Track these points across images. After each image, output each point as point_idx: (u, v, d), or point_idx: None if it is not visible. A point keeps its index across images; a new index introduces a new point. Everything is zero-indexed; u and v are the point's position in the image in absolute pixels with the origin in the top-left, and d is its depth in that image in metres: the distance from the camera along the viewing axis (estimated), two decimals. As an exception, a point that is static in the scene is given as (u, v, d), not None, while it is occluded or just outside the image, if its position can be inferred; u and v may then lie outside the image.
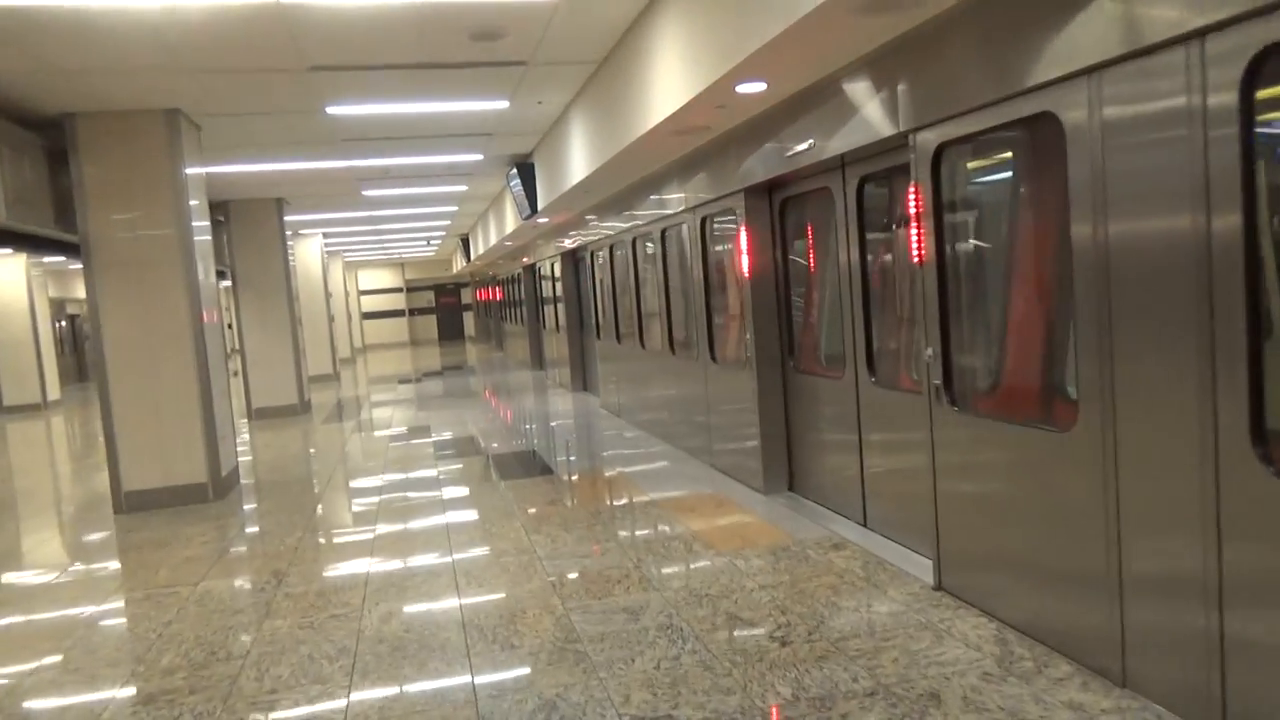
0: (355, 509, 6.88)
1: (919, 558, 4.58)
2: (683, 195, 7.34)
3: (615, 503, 6.38)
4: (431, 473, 7.98)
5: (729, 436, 6.86)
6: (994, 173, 4.01)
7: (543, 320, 16.58)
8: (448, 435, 10.21)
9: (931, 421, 4.09)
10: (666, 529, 5.55)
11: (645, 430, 9.28)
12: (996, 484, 3.70)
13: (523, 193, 10.87)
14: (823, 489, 5.83)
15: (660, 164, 7.50)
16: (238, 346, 13.51)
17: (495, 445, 9.27)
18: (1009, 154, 3.86)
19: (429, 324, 35.25)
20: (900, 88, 4.08)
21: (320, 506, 7.04)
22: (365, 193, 13.16)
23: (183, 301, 7.35)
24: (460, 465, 8.29)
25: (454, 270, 31.14)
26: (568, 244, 12.96)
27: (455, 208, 16.09)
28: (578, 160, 8.12)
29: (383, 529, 6.13)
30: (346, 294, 25.14)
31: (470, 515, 6.32)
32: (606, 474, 7.45)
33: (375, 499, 7.09)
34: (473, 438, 9.89)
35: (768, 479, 6.22)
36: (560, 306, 14.35)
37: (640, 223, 8.82)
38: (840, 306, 5.30)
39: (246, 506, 7.28)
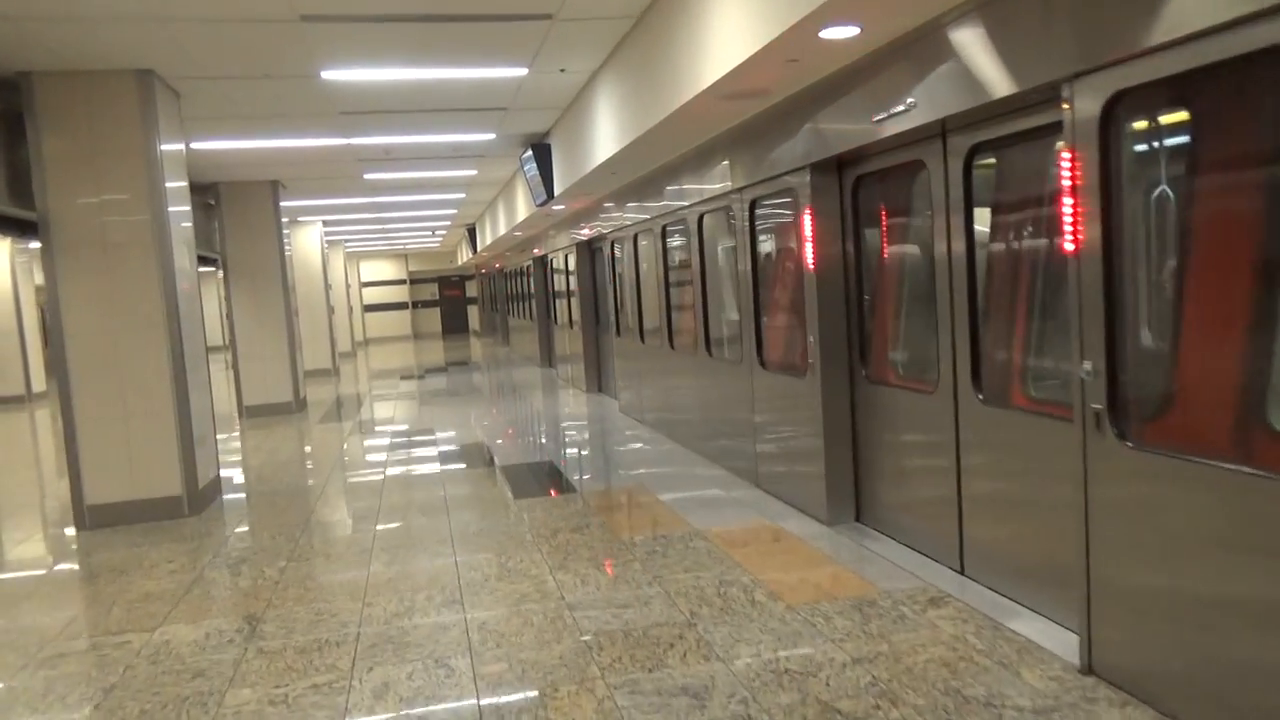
0: (349, 531, 5.98)
1: (1049, 625, 3.66)
2: (728, 175, 6.42)
3: (652, 533, 5.48)
4: (437, 488, 7.08)
5: (782, 455, 5.94)
6: (1193, 131, 3.09)
7: (554, 315, 15.67)
8: (454, 441, 9.31)
9: (1085, 456, 3.17)
10: (719, 570, 4.64)
11: (674, 440, 8.37)
12: (1200, 548, 2.78)
13: (538, 176, 9.96)
14: (901, 523, 4.92)
15: (702, 139, 6.57)
16: (229, 340, 12.62)
17: (507, 454, 8.37)
18: (1227, 103, 2.93)
19: (432, 317, 34.36)
20: (1054, 18, 3.16)
21: (309, 527, 6.14)
22: (367, 176, 12.25)
23: (156, 290, 6.43)
24: (469, 478, 7.39)
25: (459, 262, 30.23)
26: (584, 234, 12.04)
27: (462, 195, 15.18)
28: (604, 137, 7.20)
29: (380, 560, 5.22)
30: (348, 285, 24.26)
31: (482, 545, 5.42)
32: (636, 494, 6.55)
33: (372, 520, 6.19)
34: (481, 444, 8.99)
35: (832, 507, 5.32)
36: (574, 301, 13.44)
37: (673, 208, 7.91)
38: (934, 306, 4.38)
39: (226, 524, 6.38)
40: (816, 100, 4.93)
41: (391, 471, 7.83)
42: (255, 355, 12.37)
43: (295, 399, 12.55)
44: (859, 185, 5.09)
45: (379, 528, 5.94)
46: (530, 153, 9.93)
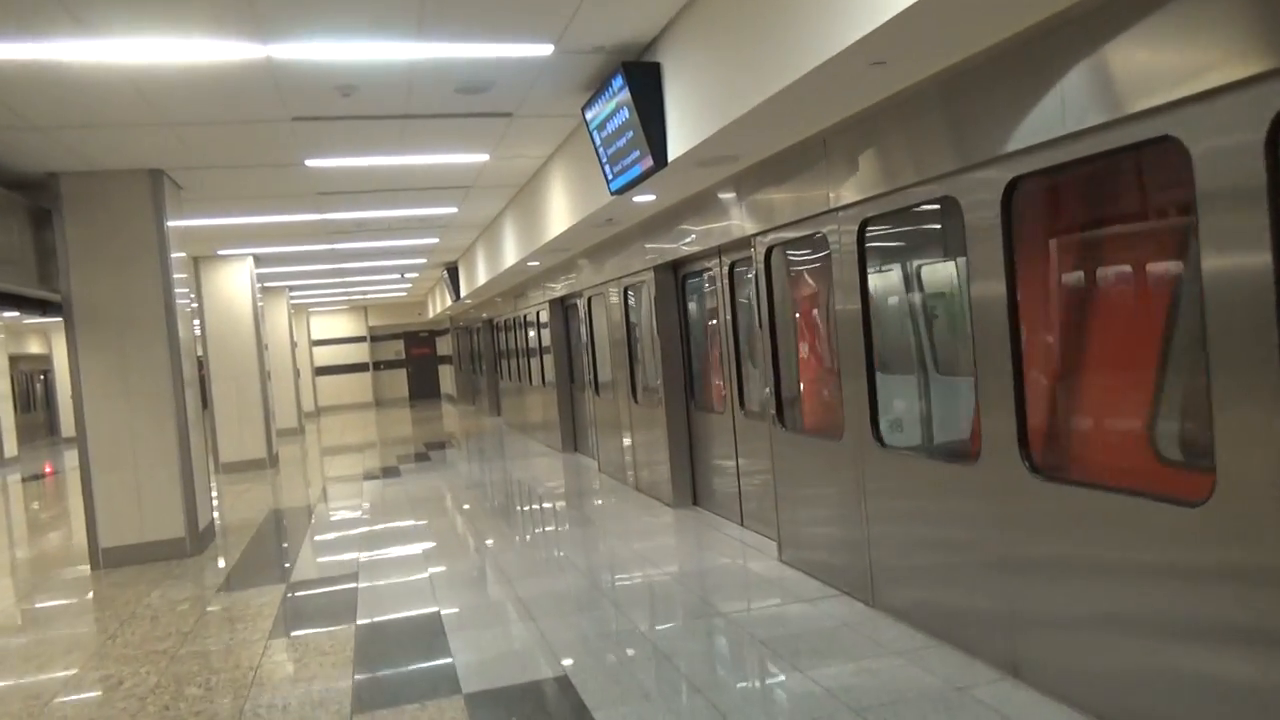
0: None
1: None
2: None
3: None
4: None
5: None
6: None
7: (591, 379, 10.77)
8: (488, 672, 4.35)
9: None
10: None
11: (1011, 674, 3.53)
12: None
13: (635, 123, 5.26)
14: None
15: None
16: (76, 434, 7.59)
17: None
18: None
19: (398, 380, 29.18)
20: None
21: None
22: (309, 163, 7.43)
23: None
24: None
25: (430, 315, 25.29)
26: (685, 247, 7.23)
27: (453, 209, 10.36)
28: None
29: None
30: (294, 344, 19.17)
31: None
32: None
33: None
34: (549, 684, 4.06)
35: None
36: (651, 358, 8.61)
37: (1060, 136, 3.17)
38: None
39: None
40: None
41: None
42: (119, 461, 7.33)
43: (190, 533, 7.49)
44: None
45: None
46: (623, 86, 5.23)
